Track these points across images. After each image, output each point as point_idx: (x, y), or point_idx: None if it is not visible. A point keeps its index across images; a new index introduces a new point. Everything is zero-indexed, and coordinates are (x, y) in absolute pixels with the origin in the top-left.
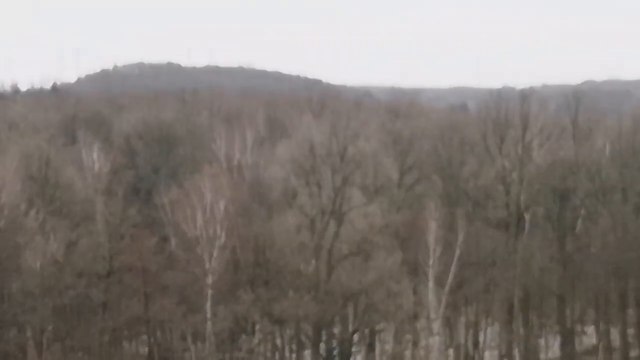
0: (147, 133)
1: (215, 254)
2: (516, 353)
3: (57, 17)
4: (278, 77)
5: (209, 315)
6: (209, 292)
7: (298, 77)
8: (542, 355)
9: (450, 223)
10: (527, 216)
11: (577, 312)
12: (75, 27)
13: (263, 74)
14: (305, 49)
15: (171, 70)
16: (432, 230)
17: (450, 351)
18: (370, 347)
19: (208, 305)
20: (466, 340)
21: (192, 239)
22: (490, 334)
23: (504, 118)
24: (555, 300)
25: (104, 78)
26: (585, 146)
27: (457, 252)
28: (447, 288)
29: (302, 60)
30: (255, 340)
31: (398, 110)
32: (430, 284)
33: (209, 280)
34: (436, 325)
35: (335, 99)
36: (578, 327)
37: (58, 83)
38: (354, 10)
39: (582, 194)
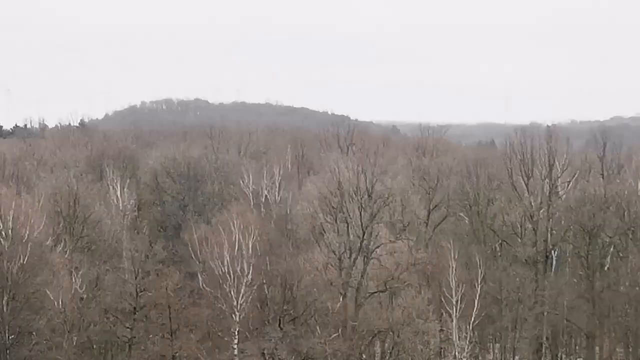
0: (174, 169)
1: (242, 290)
2: None
3: (85, 52)
4: (305, 113)
5: (236, 352)
6: (237, 328)
7: (325, 113)
8: None
9: (475, 261)
10: (554, 253)
11: (606, 350)
12: (103, 63)
13: (290, 111)
14: (332, 86)
15: (198, 106)
16: (454, 269)
17: None
18: None
19: (235, 342)
20: None
21: (219, 275)
22: None
23: (530, 155)
24: (583, 338)
25: (132, 114)
26: (613, 183)
27: (478, 289)
28: (470, 326)
29: (329, 96)
30: None
31: (425, 147)
32: (455, 322)
33: (236, 317)
34: None
35: (362, 136)
36: None
37: (86, 120)
38: (379, 47)
39: (611, 231)
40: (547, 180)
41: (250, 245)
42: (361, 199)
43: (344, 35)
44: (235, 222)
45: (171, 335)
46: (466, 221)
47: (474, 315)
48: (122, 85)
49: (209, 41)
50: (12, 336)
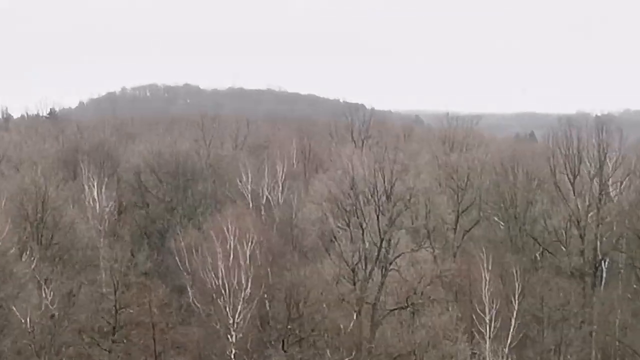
0: (160, 166)
1: (239, 307)
2: None
3: (57, 37)
4: (312, 101)
5: None
6: (233, 351)
7: (336, 101)
8: None
9: (512, 272)
10: (605, 264)
11: None
12: (75, 45)
13: (295, 98)
14: (344, 73)
15: (189, 93)
16: (487, 282)
17: None
18: None
19: None
20: None
21: (212, 289)
22: None
23: (577, 149)
24: None
25: (111, 102)
26: None
27: (516, 306)
28: (507, 348)
29: (340, 83)
30: None
31: (453, 140)
32: (488, 344)
33: (233, 337)
34: None
35: (380, 127)
36: None
37: (57, 109)
38: (399, 36)
39: None
40: (596, 179)
41: (248, 254)
42: (378, 200)
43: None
44: (231, 228)
45: (156, 359)
46: (501, 226)
47: (510, 336)
48: (100, 72)
49: (200, 20)
50: None
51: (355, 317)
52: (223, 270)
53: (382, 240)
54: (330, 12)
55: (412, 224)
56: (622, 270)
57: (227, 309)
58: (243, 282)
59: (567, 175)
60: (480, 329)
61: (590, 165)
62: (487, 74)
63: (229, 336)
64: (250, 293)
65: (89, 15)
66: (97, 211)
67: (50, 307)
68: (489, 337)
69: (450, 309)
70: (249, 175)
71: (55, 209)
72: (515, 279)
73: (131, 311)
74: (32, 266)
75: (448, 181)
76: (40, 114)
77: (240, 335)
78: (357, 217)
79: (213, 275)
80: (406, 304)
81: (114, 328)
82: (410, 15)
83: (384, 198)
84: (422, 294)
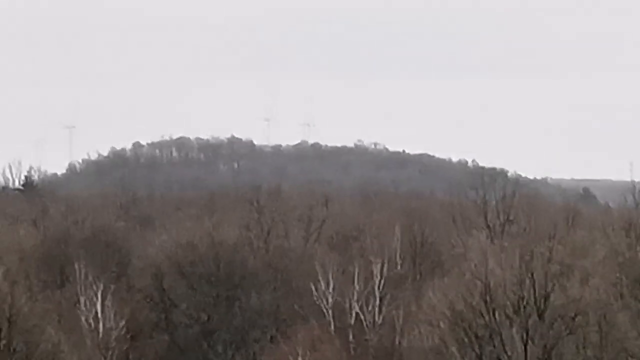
0: (192, 266)
1: None
2: None
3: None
4: (426, 164)
5: None
6: None
7: (463, 164)
8: None
9: None
10: None
11: None
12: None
13: (400, 160)
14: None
15: (236, 152)
16: None
17: None
18: None
19: None
20: None
21: None
22: None
23: None
24: None
25: (117, 166)
26: None
27: None
28: None
29: (468, 137)
30: None
31: None
32: None
33: None
34: None
35: (530, 206)
36: None
37: (36, 176)
38: None
39: None
40: None
41: None
42: (527, 320)
43: None
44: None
45: None
46: None
47: None
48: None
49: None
50: None
51: None
52: None
53: None
54: None
55: (579, 354)
56: None
57: None
58: None
59: None
60: None
61: None
62: None
63: None
64: None
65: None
66: (100, 335)
67: None
68: None
69: None
70: (331, 280)
71: (27, 331)
72: None
73: None
74: None
75: (634, 290)
76: (10, 185)
77: None
78: (494, 346)
79: None
80: None
81: None
82: None
83: (535, 316)
84: None
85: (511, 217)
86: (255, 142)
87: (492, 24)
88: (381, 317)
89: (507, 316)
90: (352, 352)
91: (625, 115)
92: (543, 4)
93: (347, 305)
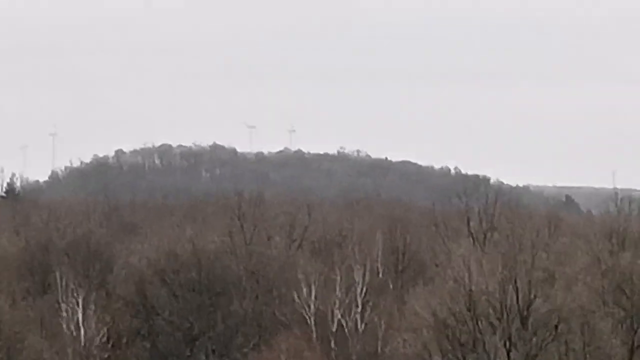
0: (174, 273)
1: None
2: None
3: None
4: (408, 171)
5: None
6: None
7: (445, 171)
8: None
9: None
10: None
11: None
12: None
13: (382, 167)
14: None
15: (217, 158)
16: None
17: None
18: None
19: None
20: None
21: None
22: None
23: None
24: None
25: (99, 174)
26: None
27: None
28: None
29: (451, 144)
30: None
31: (626, 234)
32: None
33: None
34: None
35: (512, 213)
36: None
37: (18, 183)
38: None
39: None
40: None
41: None
42: (509, 327)
43: None
44: None
45: None
46: None
47: None
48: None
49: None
50: None
51: None
52: None
53: None
54: None
55: None
56: None
57: None
58: None
59: None
60: None
61: None
62: None
63: None
64: None
65: None
66: (82, 343)
67: None
68: None
69: None
70: (313, 287)
71: (9, 338)
72: None
73: None
74: None
75: (617, 297)
76: None
77: None
78: (477, 353)
79: None
80: None
81: None
82: None
83: (517, 323)
84: None
85: (494, 225)
86: (238, 149)
87: (473, 33)
88: (363, 325)
89: (490, 323)
90: (334, 359)
91: (607, 123)
92: (526, 14)
93: (329, 312)
